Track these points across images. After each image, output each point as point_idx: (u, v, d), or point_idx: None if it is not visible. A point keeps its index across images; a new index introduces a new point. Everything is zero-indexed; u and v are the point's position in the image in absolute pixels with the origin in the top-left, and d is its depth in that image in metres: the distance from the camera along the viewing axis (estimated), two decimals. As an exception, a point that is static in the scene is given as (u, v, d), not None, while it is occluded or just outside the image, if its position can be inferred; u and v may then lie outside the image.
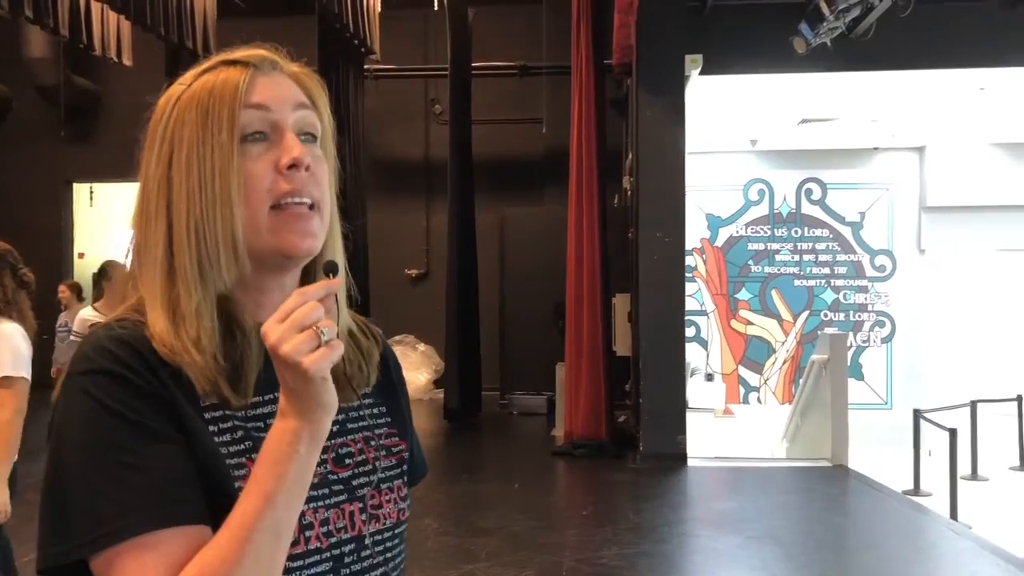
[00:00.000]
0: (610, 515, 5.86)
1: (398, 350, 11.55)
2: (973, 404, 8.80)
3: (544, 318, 9.97)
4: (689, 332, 10.44)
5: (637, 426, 7.43)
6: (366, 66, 10.60)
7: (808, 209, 11.40)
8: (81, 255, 11.95)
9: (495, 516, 5.63)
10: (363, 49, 9.79)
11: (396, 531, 1.02)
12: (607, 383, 7.80)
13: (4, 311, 3.20)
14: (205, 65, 0.97)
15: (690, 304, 9.85)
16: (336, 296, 0.85)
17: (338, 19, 8.65)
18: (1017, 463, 9.34)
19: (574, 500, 6.75)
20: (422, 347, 11.25)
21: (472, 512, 5.88)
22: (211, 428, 0.88)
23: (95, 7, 8.10)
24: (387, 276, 11.28)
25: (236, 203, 0.90)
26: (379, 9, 9.91)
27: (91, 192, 11.87)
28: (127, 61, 8.83)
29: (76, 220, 12.07)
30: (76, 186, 11.98)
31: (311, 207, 0.93)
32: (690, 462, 7.14)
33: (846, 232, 11.37)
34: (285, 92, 0.95)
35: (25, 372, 3.13)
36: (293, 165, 0.91)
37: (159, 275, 0.92)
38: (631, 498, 6.34)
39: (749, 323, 11.44)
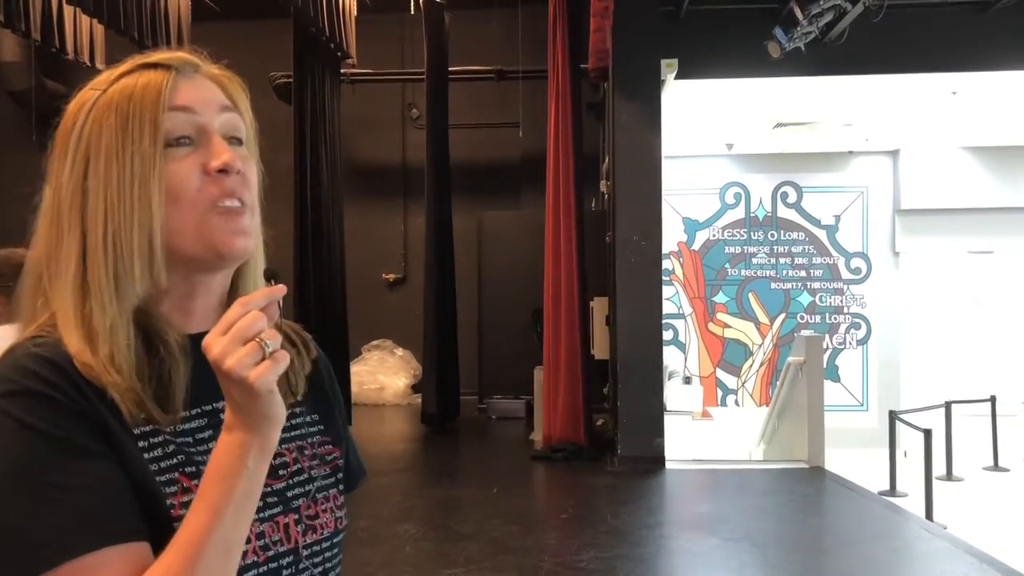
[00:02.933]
0: (588, 518, 5.86)
1: (376, 355, 11.61)
2: (947, 405, 8.88)
3: (522, 322, 9.97)
4: (667, 335, 10.47)
5: (615, 429, 7.44)
6: (342, 70, 10.56)
7: (784, 212, 11.48)
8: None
9: (473, 521, 5.62)
10: (339, 53, 9.75)
11: (334, 540, 0.99)
12: (585, 387, 7.81)
13: (4, 317, 3.21)
14: (122, 69, 0.93)
15: (668, 307, 9.88)
16: (279, 303, 0.82)
17: (314, 23, 8.61)
18: (991, 463, 9.44)
19: (552, 504, 6.75)
20: (400, 352, 11.21)
21: (450, 517, 5.87)
22: (140, 444, 0.85)
23: (67, 10, 8.02)
24: (364, 281, 11.25)
25: (156, 210, 0.87)
26: (355, 13, 9.88)
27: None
28: (100, 65, 8.74)
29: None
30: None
31: (241, 207, 0.90)
32: (668, 465, 7.16)
33: (821, 235, 11.46)
34: (209, 95, 0.92)
35: None
36: (223, 169, 0.89)
37: (71, 291, 0.87)
38: (609, 501, 6.35)
39: (726, 326, 11.49)
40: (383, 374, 10.88)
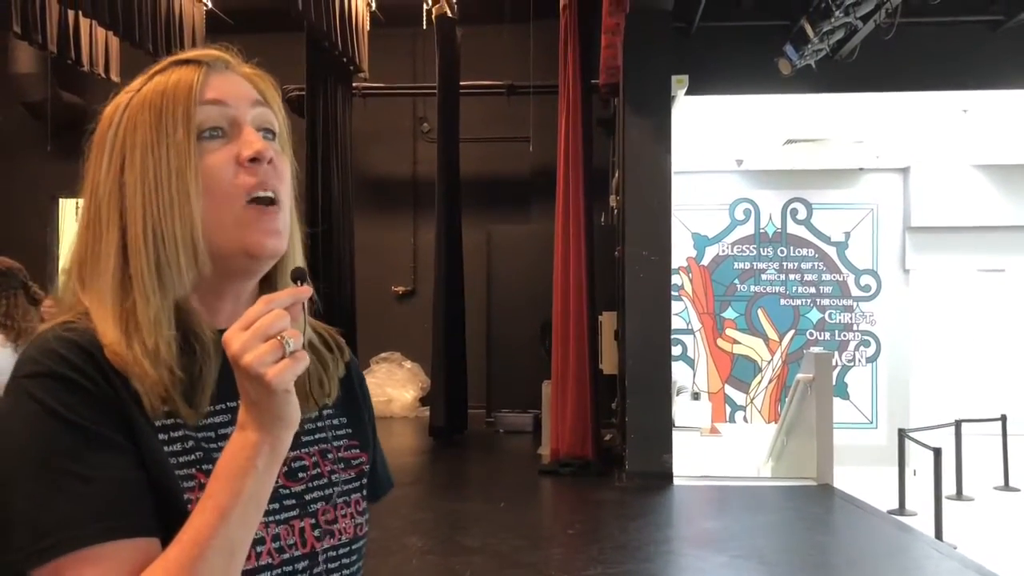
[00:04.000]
0: (596, 534, 5.84)
1: (384, 367, 11.62)
2: (958, 424, 8.83)
3: (530, 336, 9.97)
4: (675, 351, 10.45)
5: (623, 445, 7.42)
6: (354, 84, 10.63)
7: (794, 229, 11.47)
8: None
9: (480, 535, 5.61)
10: (351, 67, 9.82)
11: (353, 547, 0.97)
12: (593, 401, 7.79)
13: (3, 328, 3.26)
14: (155, 68, 0.94)
15: (676, 323, 9.87)
16: (304, 305, 0.81)
17: (327, 37, 8.67)
18: (1002, 483, 9.37)
19: (560, 519, 6.73)
20: (408, 364, 11.22)
21: (457, 531, 5.86)
22: (161, 436, 0.84)
23: (83, 23, 8.11)
24: (374, 293, 11.27)
25: (195, 201, 0.87)
26: (368, 27, 9.95)
27: (77, 207, 11.78)
28: (115, 77, 8.82)
29: (62, 235, 12.02)
30: (62, 201, 11.94)
31: (274, 201, 0.90)
32: (676, 481, 7.13)
33: (831, 252, 11.44)
34: (241, 89, 0.93)
35: None
36: (255, 158, 0.88)
37: (111, 285, 0.87)
38: (617, 517, 6.33)
39: (735, 342, 11.47)
40: (391, 387, 10.89)
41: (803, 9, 6.50)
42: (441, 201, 9.45)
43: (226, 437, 0.86)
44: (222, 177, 0.88)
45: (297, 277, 0.84)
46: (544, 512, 7.02)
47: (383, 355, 11.15)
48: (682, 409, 10.15)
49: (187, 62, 0.93)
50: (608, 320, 8.41)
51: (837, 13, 6.09)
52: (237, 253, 0.89)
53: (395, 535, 5.40)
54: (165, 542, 0.79)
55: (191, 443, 0.86)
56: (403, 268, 11.98)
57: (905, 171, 11.21)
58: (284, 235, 0.91)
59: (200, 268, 0.88)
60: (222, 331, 0.87)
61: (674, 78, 7.35)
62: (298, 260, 0.97)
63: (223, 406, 0.90)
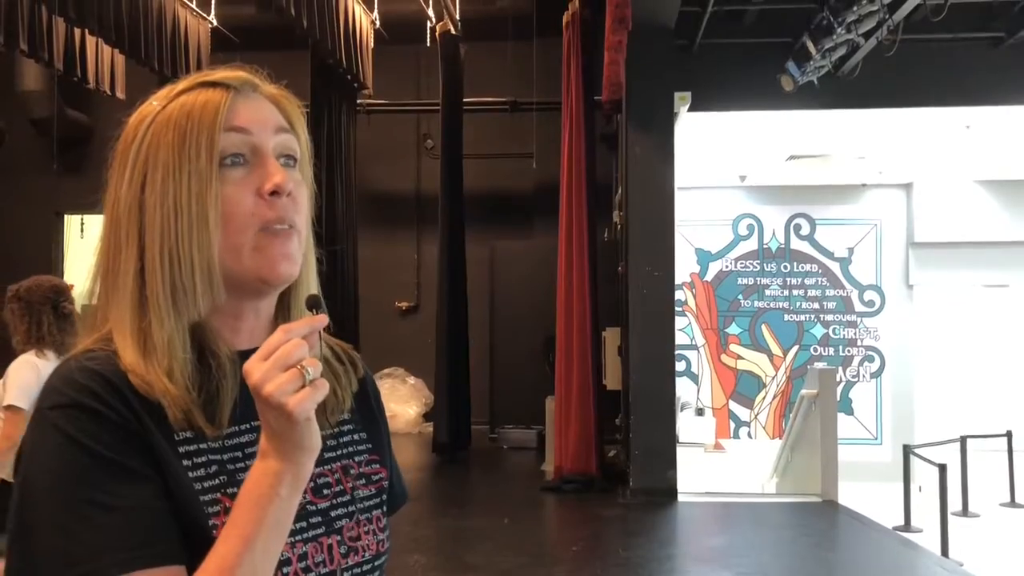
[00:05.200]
0: (600, 551, 5.82)
1: (388, 383, 11.61)
2: (963, 440, 8.80)
3: (534, 352, 9.96)
4: (679, 366, 10.44)
5: (627, 461, 7.40)
6: (359, 101, 10.67)
7: (797, 244, 11.47)
8: (71, 287, 11.88)
9: (484, 551, 5.59)
10: (356, 84, 9.87)
11: (376, 563, 0.98)
12: (597, 417, 7.78)
13: (34, 344, 3.32)
14: (182, 86, 0.94)
15: (680, 338, 9.86)
16: (320, 332, 0.82)
17: (331, 54, 8.72)
18: (1007, 499, 9.32)
19: (564, 535, 6.71)
20: (412, 380, 11.21)
21: (461, 547, 5.84)
22: (185, 463, 0.85)
23: (90, 41, 8.16)
24: (377, 309, 11.27)
25: (214, 229, 0.88)
26: (372, 45, 10.01)
27: (82, 224, 11.87)
28: (120, 94, 8.88)
29: (67, 251, 12.06)
30: (67, 218, 11.98)
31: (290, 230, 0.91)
32: (680, 497, 7.11)
33: (835, 267, 11.43)
34: (265, 115, 0.93)
35: (26, 404, 3.18)
36: (275, 192, 0.89)
37: (129, 304, 0.88)
38: (621, 533, 6.30)
39: (739, 357, 11.45)
40: (395, 402, 10.87)
41: (805, 26, 6.52)
42: (444, 217, 9.47)
43: (252, 456, 0.87)
44: (241, 207, 0.89)
45: (312, 305, 0.85)
46: (548, 529, 6.99)
47: (387, 371, 11.15)
48: (686, 425, 10.12)
49: (214, 84, 0.93)
50: (611, 336, 8.40)
51: (839, 30, 6.11)
52: (251, 278, 0.90)
53: (398, 552, 5.37)
54: (190, 569, 0.80)
55: (215, 467, 0.87)
56: (407, 284, 11.99)
57: (908, 187, 11.22)
58: (297, 260, 0.93)
59: (215, 294, 0.89)
60: (242, 352, 0.89)
61: (677, 95, 7.38)
62: (312, 286, 0.98)
63: (247, 425, 0.90)
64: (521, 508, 7.14)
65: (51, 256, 11.80)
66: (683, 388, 10.82)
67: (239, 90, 0.93)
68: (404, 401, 10.95)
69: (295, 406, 0.76)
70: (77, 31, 7.91)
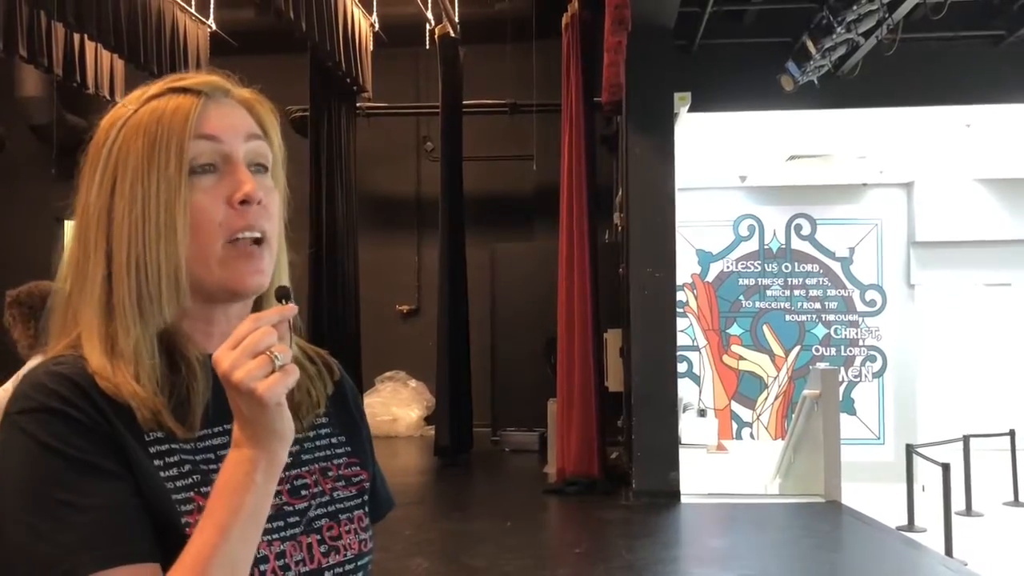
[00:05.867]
0: (603, 553, 5.81)
1: (389, 386, 11.59)
2: (966, 439, 8.78)
3: (535, 354, 9.95)
4: (681, 368, 10.42)
5: (630, 463, 7.39)
6: (358, 104, 10.67)
7: (798, 244, 11.46)
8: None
9: (487, 554, 5.57)
10: (355, 87, 9.87)
11: (359, 563, 0.98)
12: (599, 419, 7.76)
13: (40, 348, 3.28)
14: (153, 90, 0.93)
15: (682, 339, 9.85)
16: (290, 322, 0.83)
17: (330, 57, 8.72)
18: (1011, 498, 9.30)
19: (566, 538, 6.70)
20: (413, 383, 11.20)
21: (463, 550, 5.82)
22: (156, 463, 0.85)
23: (89, 46, 8.16)
24: (378, 312, 11.27)
25: (181, 238, 0.87)
26: (371, 48, 10.00)
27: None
28: (120, 99, 8.86)
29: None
30: (67, 223, 11.97)
31: (260, 242, 0.90)
32: (683, 499, 7.09)
33: (836, 267, 11.42)
34: (236, 122, 0.92)
35: None
36: (245, 201, 0.89)
37: (96, 310, 0.88)
38: (624, 536, 6.29)
39: (741, 358, 11.44)
40: (396, 406, 10.86)
41: (805, 26, 6.51)
42: (445, 219, 9.46)
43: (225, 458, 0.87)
44: (211, 216, 0.89)
45: (282, 296, 0.86)
46: (551, 531, 6.98)
47: (388, 374, 11.14)
48: (688, 426, 10.10)
49: (185, 90, 0.92)
50: (613, 337, 8.39)
51: (839, 29, 6.11)
52: (221, 289, 0.90)
53: (400, 556, 5.37)
54: (164, 567, 0.80)
55: (188, 467, 0.87)
56: (407, 287, 11.98)
57: (909, 186, 11.22)
58: (268, 273, 0.92)
59: (181, 302, 0.89)
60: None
61: (676, 95, 7.37)
62: (283, 278, 0.97)
63: (220, 428, 0.90)
64: (524, 511, 7.13)
65: (51, 262, 11.77)
66: (685, 389, 10.80)
67: (210, 96, 0.92)
68: (405, 404, 10.95)
69: (265, 391, 0.76)
70: (76, 36, 7.91)
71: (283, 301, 0.85)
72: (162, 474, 0.85)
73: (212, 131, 0.90)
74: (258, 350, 0.77)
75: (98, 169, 0.92)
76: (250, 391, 0.76)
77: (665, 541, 6.25)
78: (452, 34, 9.60)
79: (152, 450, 0.85)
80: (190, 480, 0.86)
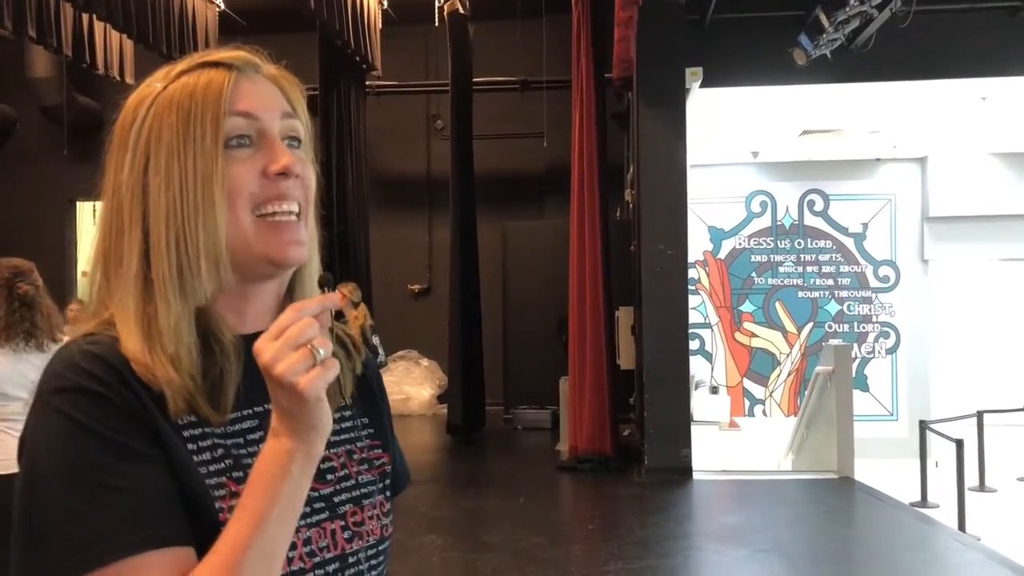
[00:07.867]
0: (615, 530, 5.83)
1: (401, 365, 11.64)
2: (979, 415, 8.76)
3: (547, 332, 9.96)
4: (693, 345, 10.42)
5: (642, 440, 7.40)
6: (367, 82, 10.63)
7: (811, 220, 11.40)
8: (84, 273, 11.95)
9: (500, 532, 5.61)
10: (364, 65, 9.83)
11: (380, 548, 0.98)
12: (611, 397, 7.77)
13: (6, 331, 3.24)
14: (182, 66, 0.92)
15: (694, 317, 9.83)
16: (332, 312, 0.81)
17: (339, 36, 8.69)
18: (1025, 474, 9.29)
19: (579, 515, 6.73)
20: (425, 362, 11.23)
21: (477, 528, 5.86)
22: (190, 446, 0.84)
23: (98, 26, 8.16)
24: (389, 291, 11.29)
25: (220, 210, 0.87)
26: (380, 26, 9.96)
27: (94, 210, 11.90)
28: (130, 79, 8.88)
29: (79, 238, 12.11)
30: (79, 204, 12.03)
31: (297, 215, 0.90)
32: (695, 475, 7.11)
33: (849, 243, 11.36)
34: (271, 101, 0.92)
35: None
36: (283, 172, 0.89)
37: (133, 289, 0.87)
38: (636, 512, 6.31)
39: (753, 335, 11.42)
40: (408, 384, 10.90)
41: (817, -1, 6.44)
42: (456, 198, 9.45)
43: (255, 443, 0.87)
44: (245, 186, 0.88)
45: (324, 284, 0.84)
46: (563, 508, 7.01)
47: (400, 353, 11.17)
48: (700, 403, 10.11)
49: (216, 64, 0.91)
50: (625, 315, 8.38)
51: (852, 2, 6.04)
52: (260, 261, 0.89)
53: (415, 533, 5.40)
54: (197, 551, 0.80)
55: (220, 451, 0.86)
56: (419, 266, 11.99)
57: (923, 160, 11.12)
58: (306, 244, 0.92)
59: (222, 276, 0.88)
60: (247, 336, 0.89)
61: (688, 70, 7.31)
62: (315, 255, 0.97)
63: (250, 411, 0.90)
64: (537, 488, 7.16)
65: (64, 243, 11.85)
66: (697, 366, 10.80)
67: (241, 70, 0.92)
68: (418, 383, 10.98)
69: (306, 386, 0.76)
70: (85, 17, 7.90)
71: (324, 289, 0.83)
72: (196, 458, 0.84)
73: (247, 108, 0.89)
74: (300, 342, 0.76)
75: (128, 148, 0.90)
76: (291, 385, 0.75)
77: (677, 517, 6.27)
78: (461, 10, 9.54)
79: (186, 434, 0.85)
80: (223, 465, 0.86)
